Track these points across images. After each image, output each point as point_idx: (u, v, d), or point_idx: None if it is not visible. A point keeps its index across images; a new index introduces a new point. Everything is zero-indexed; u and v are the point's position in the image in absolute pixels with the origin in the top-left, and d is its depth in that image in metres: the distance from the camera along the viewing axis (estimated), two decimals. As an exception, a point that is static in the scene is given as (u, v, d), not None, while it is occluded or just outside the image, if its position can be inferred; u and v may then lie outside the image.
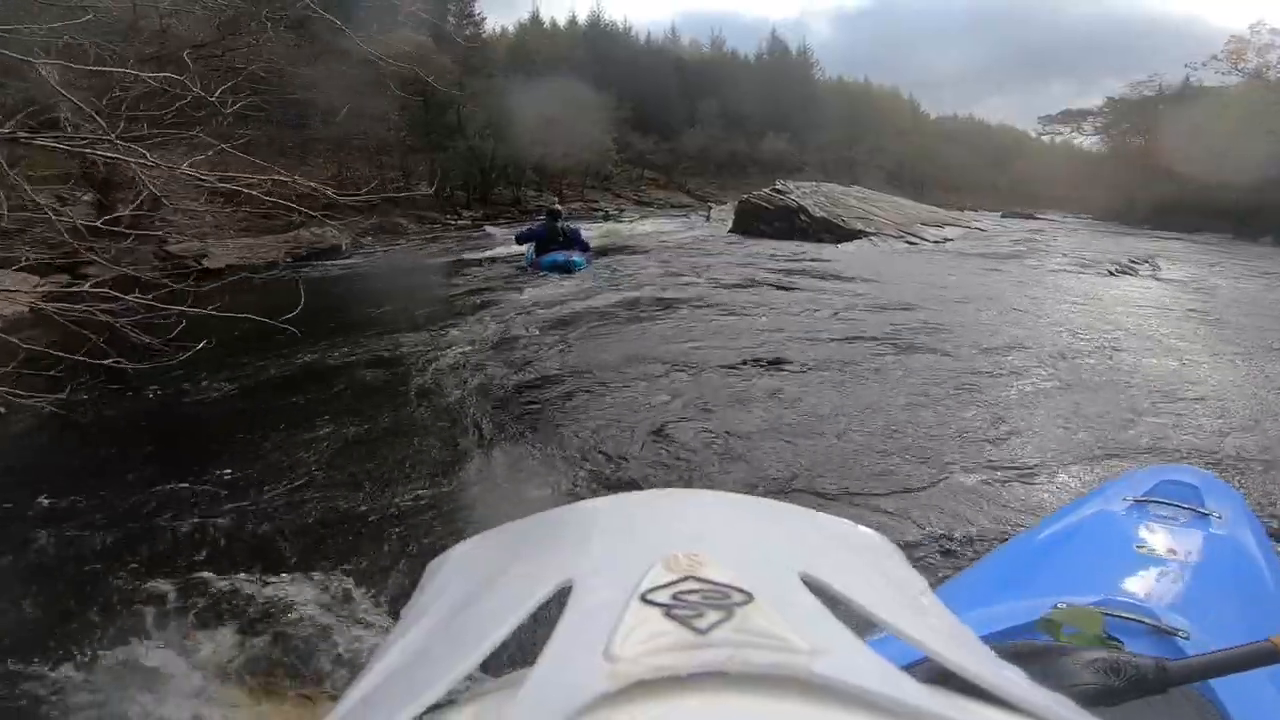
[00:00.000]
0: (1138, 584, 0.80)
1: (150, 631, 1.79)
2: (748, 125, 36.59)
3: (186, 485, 2.56)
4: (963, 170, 38.89)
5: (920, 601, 0.28)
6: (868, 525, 0.35)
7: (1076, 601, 0.73)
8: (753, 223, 12.28)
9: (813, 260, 8.91)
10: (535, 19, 39.19)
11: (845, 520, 0.36)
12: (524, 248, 7.97)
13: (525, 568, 0.28)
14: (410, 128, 23.96)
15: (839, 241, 10.61)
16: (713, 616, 0.20)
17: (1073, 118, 28.16)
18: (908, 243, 11.01)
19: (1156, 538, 0.87)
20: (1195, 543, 0.86)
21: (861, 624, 0.22)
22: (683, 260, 9.01)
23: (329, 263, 10.05)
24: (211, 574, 2.00)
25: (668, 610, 0.21)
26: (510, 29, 37.60)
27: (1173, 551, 0.82)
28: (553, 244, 7.65)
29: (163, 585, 1.95)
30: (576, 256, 7.44)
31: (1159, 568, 0.80)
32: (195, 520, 2.31)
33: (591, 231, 10.41)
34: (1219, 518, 0.93)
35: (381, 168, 22.68)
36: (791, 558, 0.26)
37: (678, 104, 36.42)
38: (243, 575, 2.01)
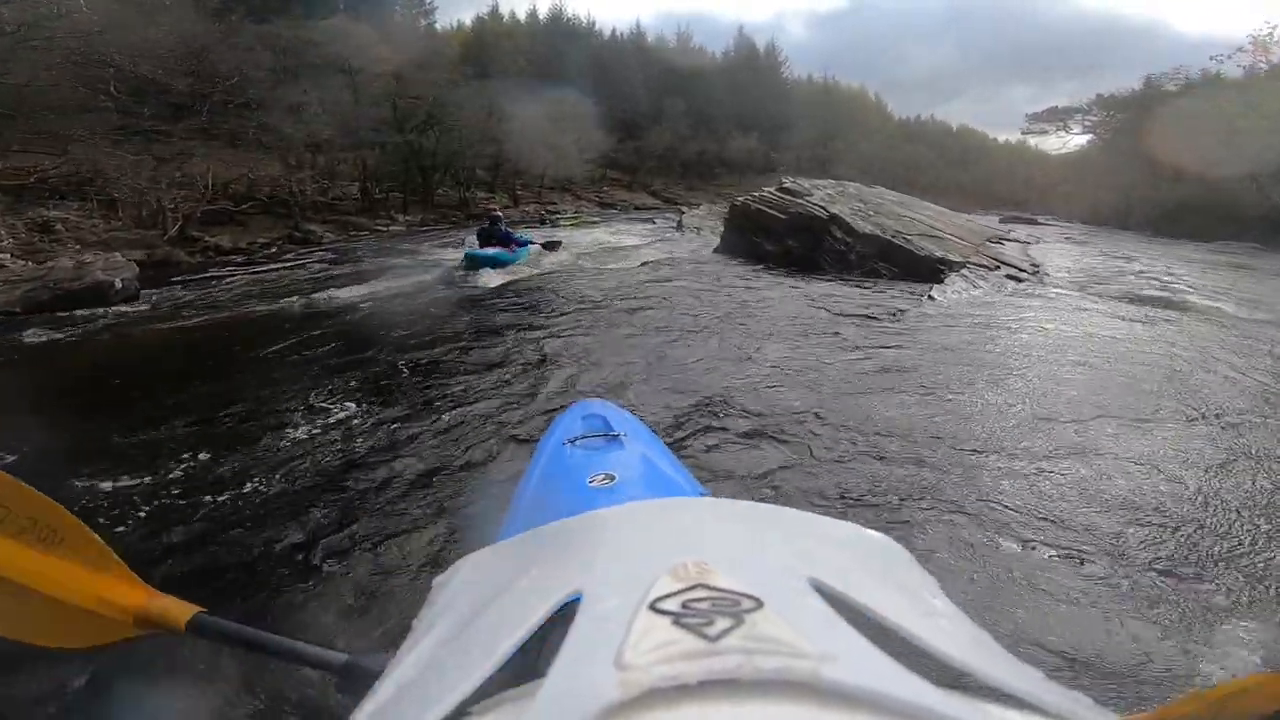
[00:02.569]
0: None
1: None
2: (715, 124, 33.16)
3: None
4: (928, 170, 35.24)
5: (932, 604, 0.26)
6: (877, 530, 0.32)
7: None
8: (752, 239, 7.70)
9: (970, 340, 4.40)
10: (494, 12, 35.17)
11: (854, 525, 0.33)
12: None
13: (534, 579, 0.26)
14: (340, 121, 18.95)
15: (919, 279, 6.04)
16: (722, 624, 0.19)
17: (1059, 115, 24.24)
18: (1012, 278, 6.55)
19: (598, 467, 0.92)
20: (622, 463, 0.94)
21: (874, 628, 0.21)
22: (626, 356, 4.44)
23: (83, 312, 5.79)
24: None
25: (677, 618, 0.20)
26: (468, 22, 33.52)
27: (610, 478, 0.87)
28: (486, 243, 7.99)
29: None
30: (486, 253, 7.68)
31: (609, 496, 0.85)
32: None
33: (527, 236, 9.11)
34: (625, 435, 1.04)
35: (296, 166, 17.40)
36: (800, 564, 0.25)
37: (643, 102, 32.93)
38: None
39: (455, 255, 8.78)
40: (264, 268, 9.27)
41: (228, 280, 7.94)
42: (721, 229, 8.99)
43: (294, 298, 6.44)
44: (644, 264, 8.03)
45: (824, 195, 7.87)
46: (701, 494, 0.97)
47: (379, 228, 17.20)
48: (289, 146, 17.08)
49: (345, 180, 18.97)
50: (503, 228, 8.10)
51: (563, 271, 7.37)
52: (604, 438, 1.05)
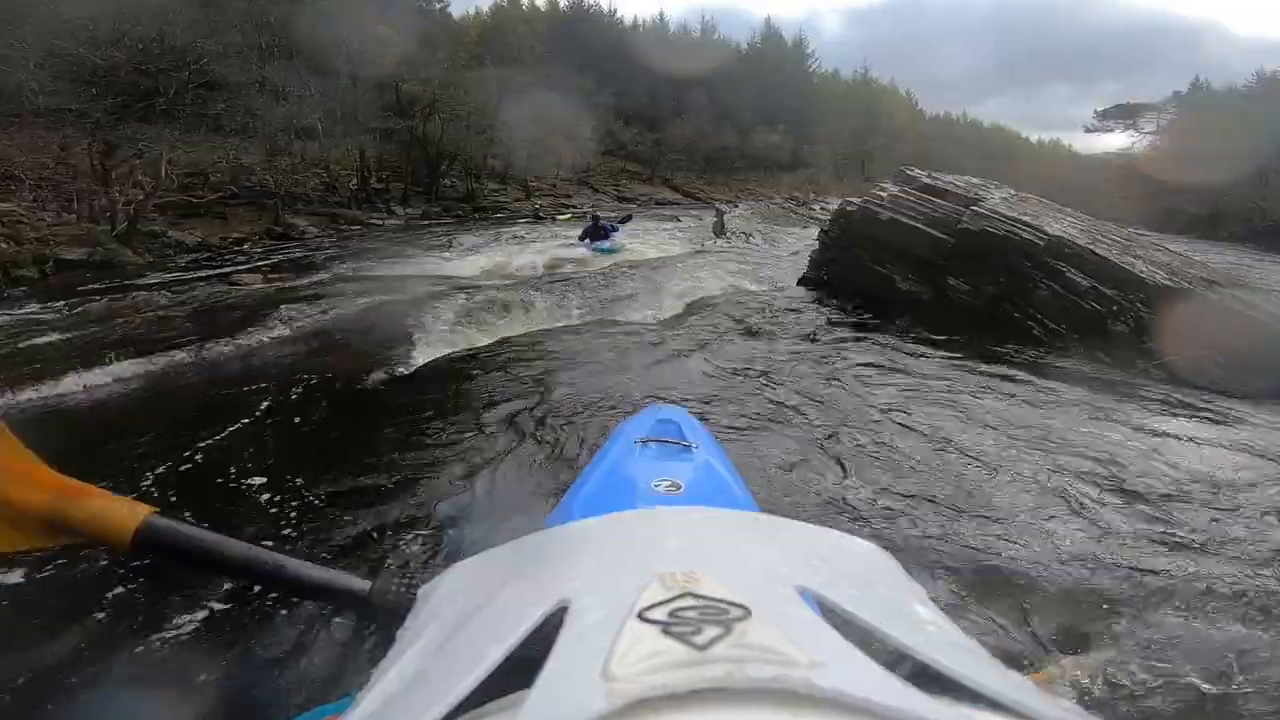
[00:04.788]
0: None
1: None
2: (738, 118, 29.93)
3: None
4: (957, 170, 31.33)
5: (918, 611, 0.26)
6: (864, 537, 0.29)
7: None
8: (873, 268, 4.38)
9: None
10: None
11: (841, 533, 0.33)
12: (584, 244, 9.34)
13: (520, 589, 0.25)
14: (335, 105, 15.82)
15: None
16: (711, 632, 0.18)
17: (1128, 112, 20.45)
18: None
19: (665, 473, 0.86)
20: (689, 472, 0.88)
21: (862, 635, 0.20)
22: None
23: None
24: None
25: (665, 628, 0.19)
26: (485, 9, 31.25)
27: (676, 486, 0.81)
28: (595, 237, 9.34)
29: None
30: (604, 244, 9.05)
31: (674, 502, 0.78)
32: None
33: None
34: (697, 446, 0.96)
35: (283, 151, 14.22)
36: (788, 572, 0.24)
37: (663, 93, 29.85)
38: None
39: (449, 262, 8.34)
40: (206, 272, 7.09)
41: (129, 299, 5.11)
42: (780, 238, 5.66)
43: (163, 354, 3.25)
44: (689, 308, 4.65)
45: (1001, 200, 4.35)
46: (756, 510, 0.85)
47: (374, 221, 14.29)
48: (272, 132, 13.96)
49: (342, 169, 15.83)
50: (603, 223, 9.59)
51: (562, 333, 4.02)
52: (675, 444, 0.97)
